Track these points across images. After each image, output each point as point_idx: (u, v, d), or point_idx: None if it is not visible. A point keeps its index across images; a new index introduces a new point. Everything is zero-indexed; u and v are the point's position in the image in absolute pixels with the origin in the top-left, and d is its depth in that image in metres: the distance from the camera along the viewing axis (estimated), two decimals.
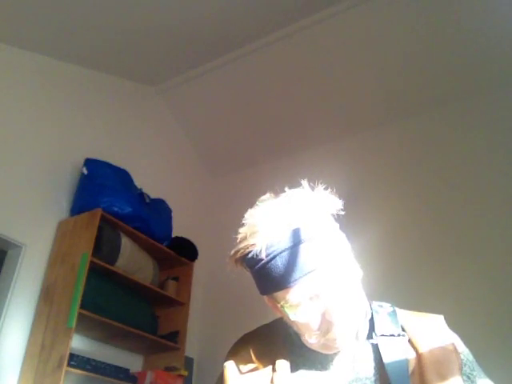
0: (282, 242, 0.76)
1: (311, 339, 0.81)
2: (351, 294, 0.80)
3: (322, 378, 0.83)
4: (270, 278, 0.78)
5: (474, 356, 0.84)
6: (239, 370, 0.87)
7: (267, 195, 0.84)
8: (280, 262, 0.76)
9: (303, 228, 0.77)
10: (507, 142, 2.97)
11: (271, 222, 0.78)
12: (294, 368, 0.85)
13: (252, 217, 0.81)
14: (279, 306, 0.81)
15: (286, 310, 0.79)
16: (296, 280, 0.76)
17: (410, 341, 0.83)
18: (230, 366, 0.88)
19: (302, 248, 0.76)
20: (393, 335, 0.84)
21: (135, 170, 3.08)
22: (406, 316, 0.89)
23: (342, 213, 0.82)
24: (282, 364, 0.84)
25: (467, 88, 3.19)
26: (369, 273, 0.93)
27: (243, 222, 0.81)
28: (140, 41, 3.13)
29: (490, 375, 0.84)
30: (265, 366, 0.85)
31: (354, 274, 0.82)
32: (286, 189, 0.84)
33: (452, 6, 2.84)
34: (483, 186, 2.94)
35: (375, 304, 0.91)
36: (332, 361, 0.84)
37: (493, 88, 3.13)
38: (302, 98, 3.54)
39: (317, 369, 0.84)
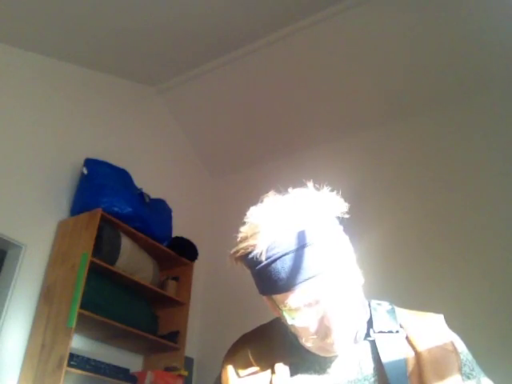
0: (284, 245, 0.74)
1: (308, 343, 0.80)
2: (351, 301, 0.79)
3: (321, 379, 0.83)
4: (269, 280, 0.76)
5: (474, 356, 0.84)
6: (237, 372, 0.86)
7: (271, 194, 0.82)
8: (280, 266, 0.74)
9: (306, 231, 0.74)
10: (507, 142, 2.97)
11: (274, 223, 0.75)
12: (293, 370, 0.84)
13: (254, 216, 0.78)
14: (277, 308, 0.80)
15: (284, 313, 0.78)
16: (296, 285, 0.74)
17: (408, 339, 0.82)
18: (227, 369, 0.87)
19: (305, 252, 0.74)
20: (391, 331, 0.83)
21: (135, 170, 3.08)
22: (405, 314, 0.87)
23: (347, 216, 0.79)
24: (281, 366, 0.83)
25: (467, 88, 3.19)
26: (370, 273, 0.92)
27: (245, 220, 0.79)
28: (140, 41, 3.13)
29: (490, 375, 0.84)
30: (263, 368, 0.84)
31: (355, 280, 0.81)
32: (290, 189, 0.82)
33: (452, 6, 2.84)
34: (484, 186, 2.94)
35: (374, 302, 0.90)
36: (330, 362, 0.83)
37: (493, 88, 3.13)
38: (302, 98, 3.54)
39: (315, 370, 0.84)
